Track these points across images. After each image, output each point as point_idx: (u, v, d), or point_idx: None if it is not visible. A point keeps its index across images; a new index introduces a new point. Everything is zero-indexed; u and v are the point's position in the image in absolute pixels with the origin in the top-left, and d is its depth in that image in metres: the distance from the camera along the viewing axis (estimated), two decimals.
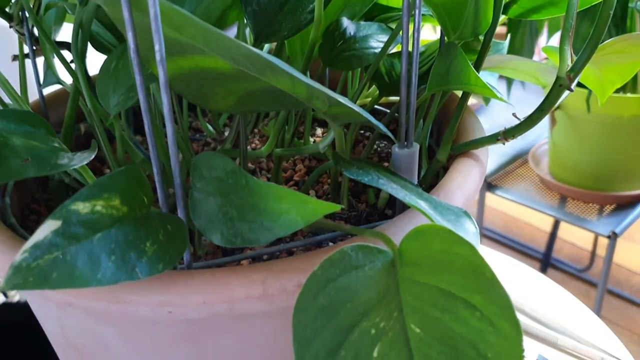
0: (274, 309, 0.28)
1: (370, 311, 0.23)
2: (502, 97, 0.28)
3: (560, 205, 1.12)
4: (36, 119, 0.30)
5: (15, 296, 1.53)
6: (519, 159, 1.30)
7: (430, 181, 0.38)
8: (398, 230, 0.29)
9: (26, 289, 0.20)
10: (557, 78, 0.33)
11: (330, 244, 0.35)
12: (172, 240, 0.24)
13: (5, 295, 1.51)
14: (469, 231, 0.26)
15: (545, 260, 1.64)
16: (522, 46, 0.93)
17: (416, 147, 0.30)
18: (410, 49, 0.30)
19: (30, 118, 0.30)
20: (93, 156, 0.27)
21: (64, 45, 0.43)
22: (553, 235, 1.60)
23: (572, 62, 0.32)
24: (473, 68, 0.29)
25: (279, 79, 0.27)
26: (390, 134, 0.28)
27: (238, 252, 0.35)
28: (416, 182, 0.31)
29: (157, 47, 0.22)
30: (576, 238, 1.77)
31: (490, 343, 0.21)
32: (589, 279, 1.61)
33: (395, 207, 0.33)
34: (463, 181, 0.32)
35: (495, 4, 0.31)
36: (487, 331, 0.21)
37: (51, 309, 0.32)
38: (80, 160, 0.26)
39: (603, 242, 1.67)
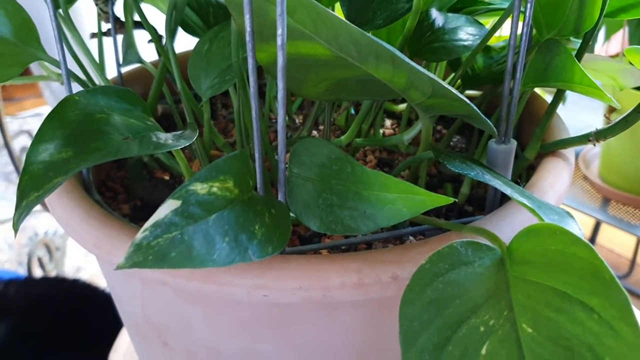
0: (364, 299, 0.28)
1: (479, 308, 0.23)
2: (610, 98, 0.28)
3: (607, 210, 1.10)
4: (133, 97, 0.30)
5: (53, 271, 1.54)
6: None
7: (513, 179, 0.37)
8: (494, 227, 0.28)
9: (146, 267, 0.21)
10: None
11: (411, 238, 0.34)
12: (277, 224, 0.24)
13: (43, 269, 1.53)
14: (574, 232, 0.25)
15: None
16: None
17: (513, 143, 0.30)
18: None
19: (127, 95, 0.30)
20: (195, 137, 0.27)
21: (139, 25, 0.43)
22: (592, 241, 1.58)
23: None
24: (580, 66, 0.28)
25: (380, 67, 0.27)
26: (495, 131, 0.27)
27: (316, 241, 0.35)
28: (510, 179, 0.30)
29: (279, 31, 0.22)
30: (615, 244, 1.74)
31: (609, 347, 0.20)
32: (628, 286, 1.57)
33: (485, 204, 0.32)
34: (555, 181, 0.32)
35: None
36: (605, 334, 0.21)
37: (135, 286, 0.32)
38: (185, 140, 0.26)
39: None
